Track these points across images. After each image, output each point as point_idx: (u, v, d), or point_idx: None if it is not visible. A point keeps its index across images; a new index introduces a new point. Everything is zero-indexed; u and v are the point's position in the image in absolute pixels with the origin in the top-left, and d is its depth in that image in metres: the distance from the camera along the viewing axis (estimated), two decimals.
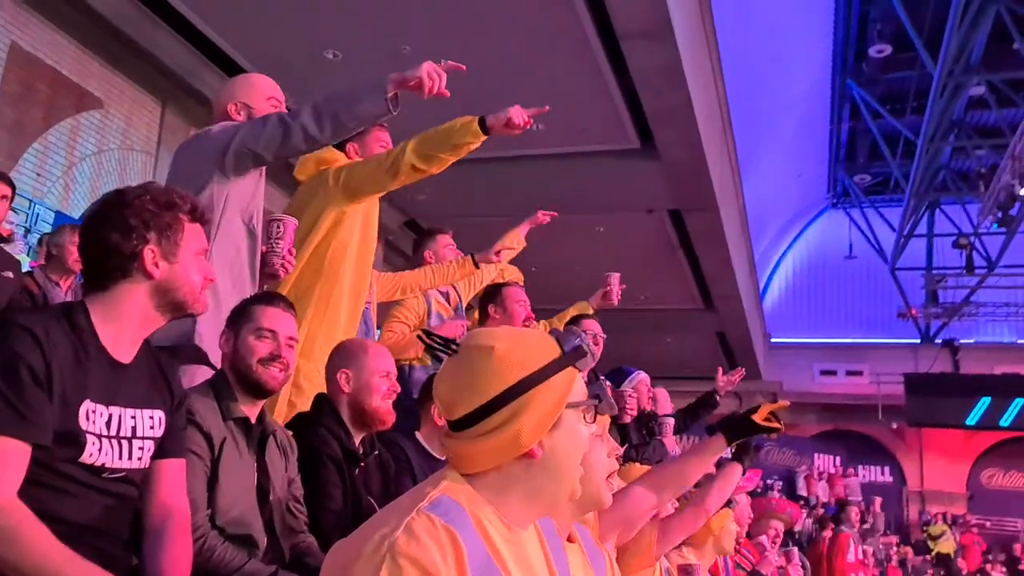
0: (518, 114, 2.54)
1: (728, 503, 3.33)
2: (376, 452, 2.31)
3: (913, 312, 17.38)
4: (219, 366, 2.00)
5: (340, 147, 2.94)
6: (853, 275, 19.68)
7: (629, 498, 2.16)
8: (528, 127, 2.59)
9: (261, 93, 2.57)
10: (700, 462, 2.33)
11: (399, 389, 2.33)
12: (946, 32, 11.63)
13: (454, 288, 3.86)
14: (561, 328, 3.68)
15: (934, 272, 16.95)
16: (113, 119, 7.49)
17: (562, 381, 1.14)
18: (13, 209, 4.83)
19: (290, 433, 2.09)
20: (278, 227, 2.45)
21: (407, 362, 3.44)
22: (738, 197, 11.62)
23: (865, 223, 18.85)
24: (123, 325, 1.49)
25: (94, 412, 1.41)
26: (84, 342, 1.43)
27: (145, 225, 1.48)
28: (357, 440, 2.24)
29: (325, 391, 2.32)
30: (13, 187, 3.78)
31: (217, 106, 2.57)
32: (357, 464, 2.20)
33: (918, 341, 18.21)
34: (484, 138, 2.55)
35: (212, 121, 2.53)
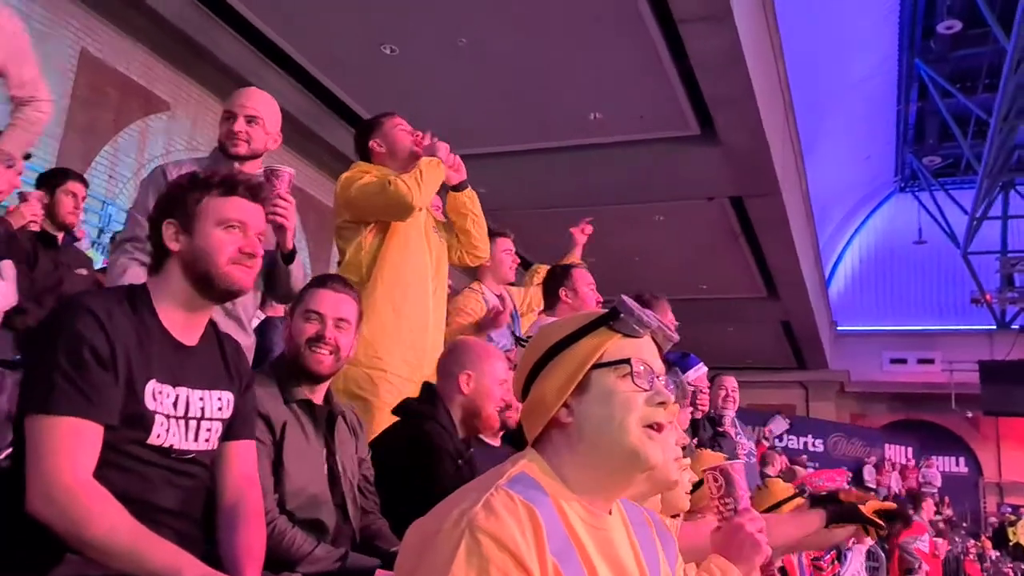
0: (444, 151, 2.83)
1: (801, 492, 3.26)
2: (471, 450, 2.28)
3: (988, 297, 16.75)
4: None
5: (363, 148, 2.90)
6: (923, 260, 19.09)
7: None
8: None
9: None
10: (793, 529, 2.41)
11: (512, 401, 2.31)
12: (1020, 3, 11.15)
13: (507, 293, 3.79)
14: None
15: (1009, 255, 16.32)
16: (180, 121, 7.67)
17: (588, 343, 1.13)
18: (83, 209, 4.96)
19: (356, 412, 2.08)
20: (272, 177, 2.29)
21: None
22: (802, 182, 11.36)
23: (935, 206, 18.26)
24: (175, 305, 1.50)
25: (160, 392, 1.42)
26: (146, 323, 1.45)
27: (166, 201, 1.54)
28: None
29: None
30: (86, 184, 3.89)
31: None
32: (456, 462, 2.18)
33: (993, 327, 17.58)
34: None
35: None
